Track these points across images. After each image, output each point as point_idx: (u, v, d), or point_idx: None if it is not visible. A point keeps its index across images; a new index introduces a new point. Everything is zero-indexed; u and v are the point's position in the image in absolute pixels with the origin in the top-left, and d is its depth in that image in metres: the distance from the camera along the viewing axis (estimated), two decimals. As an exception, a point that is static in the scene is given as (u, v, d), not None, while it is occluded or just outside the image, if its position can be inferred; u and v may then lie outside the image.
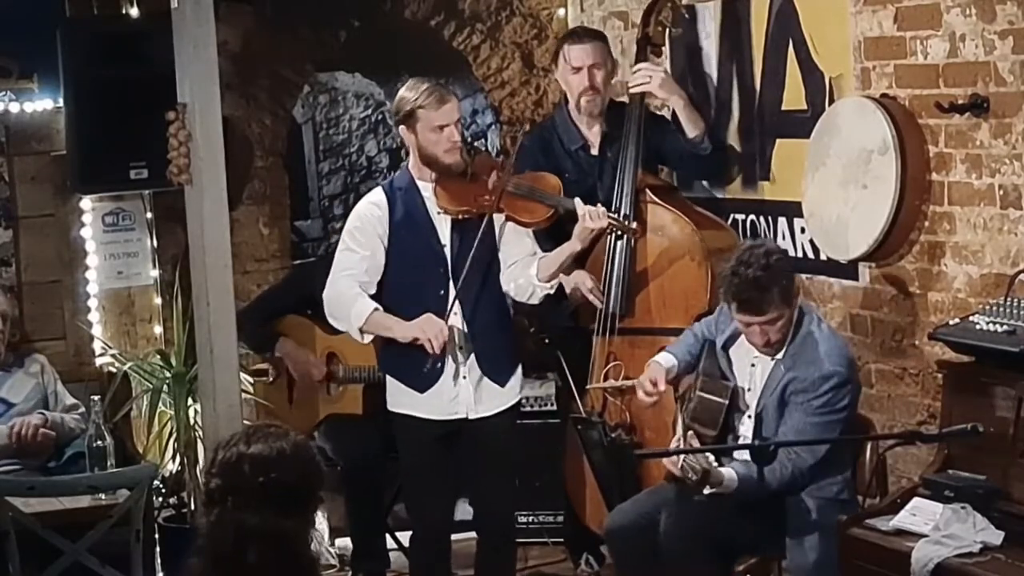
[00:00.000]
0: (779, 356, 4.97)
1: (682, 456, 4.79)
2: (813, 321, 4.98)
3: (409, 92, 5.33)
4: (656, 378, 5.19)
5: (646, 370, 5.29)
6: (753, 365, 5.06)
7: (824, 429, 4.86)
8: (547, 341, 5.67)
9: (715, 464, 4.79)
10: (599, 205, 5.46)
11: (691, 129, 5.92)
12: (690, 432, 4.96)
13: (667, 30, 6.03)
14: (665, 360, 5.27)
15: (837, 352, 4.94)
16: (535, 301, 5.46)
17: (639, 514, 5.13)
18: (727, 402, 5.02)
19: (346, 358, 6.30)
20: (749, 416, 5.03)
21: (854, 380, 4.97)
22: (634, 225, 5.61)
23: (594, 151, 6.01)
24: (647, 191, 5.82)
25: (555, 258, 5.39)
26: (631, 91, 5.91)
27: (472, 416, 5.37)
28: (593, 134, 6.02)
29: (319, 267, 6.44)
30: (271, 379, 6.41)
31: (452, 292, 5.28)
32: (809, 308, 5.08)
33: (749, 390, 5.06)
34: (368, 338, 5.35)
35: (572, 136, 6.02)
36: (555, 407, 6.44)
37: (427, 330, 5.19)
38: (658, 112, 6.15)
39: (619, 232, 5.62)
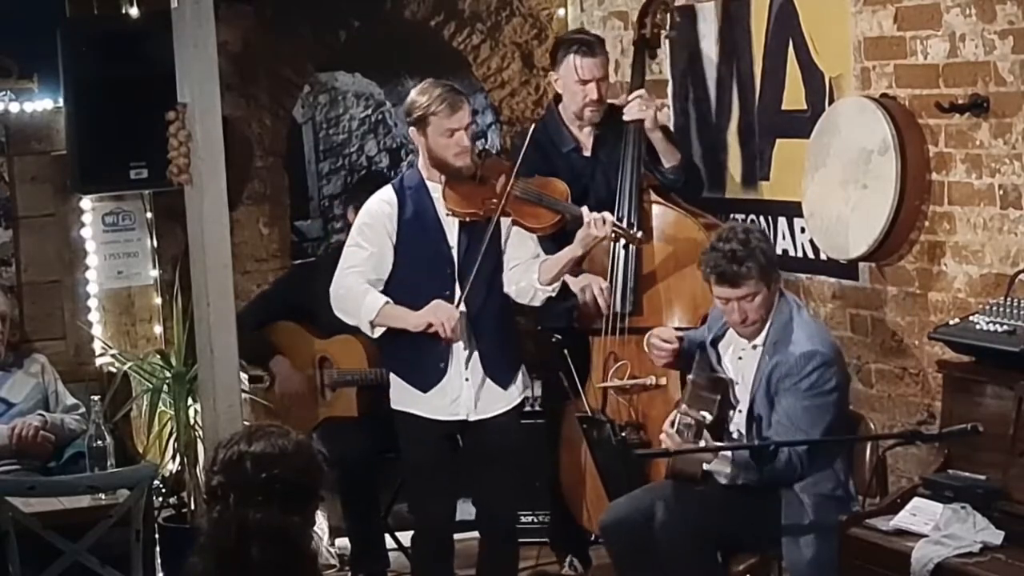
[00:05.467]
0: (759, 342, 5.01)
1: (677, 416, 4.86)
2: (793, 308, 5.03)
3: (421, 96, 5.32)
4: (669, 334, 5.28)
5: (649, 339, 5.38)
6: (740, 358, 5.10)
7: (815, 412, 4.88)
8: (554, 339, 5.65)
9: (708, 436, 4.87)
10: (604, 212, 5.45)
11: (668, 159, 5.89)
12: (682, 407, 4.97)
13: (662, 32, 6.03)
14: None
15: (818, 335, 4.99)
16: (536, 303, 5.47)
17: (634, 509, 5.14)
18: (719, 393, 5.04)
19: (338, 362, 6.30)
20: (740, 411, 5.05)
21: (838, 365, 4.99)
22: (639, 234, 5.62)
23: (586, 153, 5.99)
24: (650, 191, 5.82)
25: (556, 262, 5.40)
26: (625, 119, 5.87)
27: (472, 418, 5.38)
28: (584, 136, 5.99)
29: (309, 273, 6.47)
30: (267, 385, 6.39)
31: (458, 293, 5.30)
32: (789, 296, 5.11)
33: (739, 384, 5.08)
34: (379, 331, 5.34)
35: (564, 138, 5.99)
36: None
37: (439, 315, 5.21)
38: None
39: (624, 241, 5.63)
